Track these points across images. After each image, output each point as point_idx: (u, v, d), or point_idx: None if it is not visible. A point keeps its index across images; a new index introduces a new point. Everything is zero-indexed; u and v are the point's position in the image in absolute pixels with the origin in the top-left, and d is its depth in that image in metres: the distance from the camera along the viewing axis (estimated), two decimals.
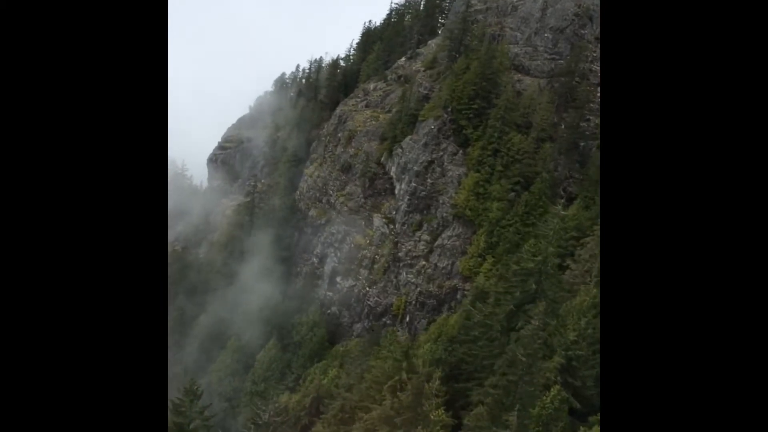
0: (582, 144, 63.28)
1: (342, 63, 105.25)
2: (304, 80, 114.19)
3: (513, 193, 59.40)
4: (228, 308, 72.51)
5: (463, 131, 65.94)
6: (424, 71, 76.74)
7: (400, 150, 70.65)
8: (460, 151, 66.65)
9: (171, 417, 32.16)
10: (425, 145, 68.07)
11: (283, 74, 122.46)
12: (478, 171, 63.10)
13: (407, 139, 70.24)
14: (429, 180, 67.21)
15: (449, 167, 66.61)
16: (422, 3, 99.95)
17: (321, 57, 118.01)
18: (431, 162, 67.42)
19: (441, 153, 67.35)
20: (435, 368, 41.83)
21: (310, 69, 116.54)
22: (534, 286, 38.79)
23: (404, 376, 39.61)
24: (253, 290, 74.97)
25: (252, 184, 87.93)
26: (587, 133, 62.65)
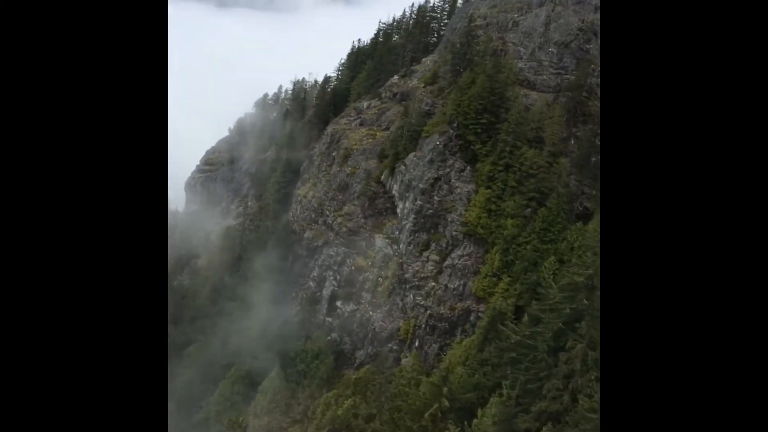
0: (594, 159, 61.57)
1: (331, 82, 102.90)
2: (288, 100, 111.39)
3: (529, 209, 57.12)
4: (221, 337, 67.97)
5: (471, 147, 63.72)
6: (424, 87, 74.65)
7: (404, 167, 67.98)
8: (468, 168, 64.33)
9: None
10: (431, 161, 65.58)
11: (266, 95, 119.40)
12: (489, 187, 60.78)
13: (411, 155, 67.67)
14: (436, 197, 64.57)
15: (457, 184, 64.15)
16: (411, 22, 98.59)
17: (303, 78, 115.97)
18: (437, 179, 64.87)
19: (448, 169, 64.92)
20: (473, 394, 38.84)
21: (294, 89, 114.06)
22: (585, 301, 36.12)
23: (445, 403, 36.38)
24: (248, 318, 70.72)
25: (243, 206, 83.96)
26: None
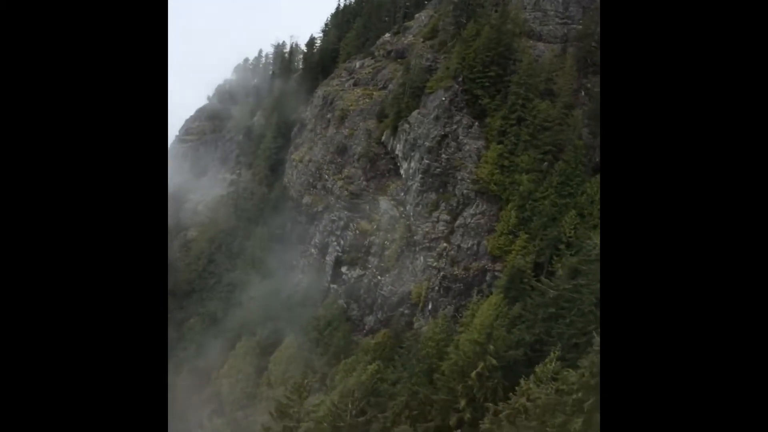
0: None
1: (316, 44, 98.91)
2: (271, 64, 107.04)
3: (545, 164, 55.22)
4: (223, 309, 65.25)
5: (479, 101, 61.32)
6: (423, 42, 71.68)
7: (407, 125, 65.35)
8: (476, 123, 62.01)
9: (275, 420, 25.90)
10: (436, 118, 63.11)
11: (246, 60, 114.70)
12: (500, 142, 58.64)
13: (414, 113, 65.05)
14: (443, 155, 62.27)
15: (465, 140, 61.88)
16: None
17: (283, 41, 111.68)
18: (444, 136, 62.51)
19: (455, 126, 62.53)
20: (516, 352, 37.21)
21: (276, 53, 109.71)
22: None
23: (492, 361, 34.60)
24: (250, 288, 68.04)
25: (236, 173, 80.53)
26: None
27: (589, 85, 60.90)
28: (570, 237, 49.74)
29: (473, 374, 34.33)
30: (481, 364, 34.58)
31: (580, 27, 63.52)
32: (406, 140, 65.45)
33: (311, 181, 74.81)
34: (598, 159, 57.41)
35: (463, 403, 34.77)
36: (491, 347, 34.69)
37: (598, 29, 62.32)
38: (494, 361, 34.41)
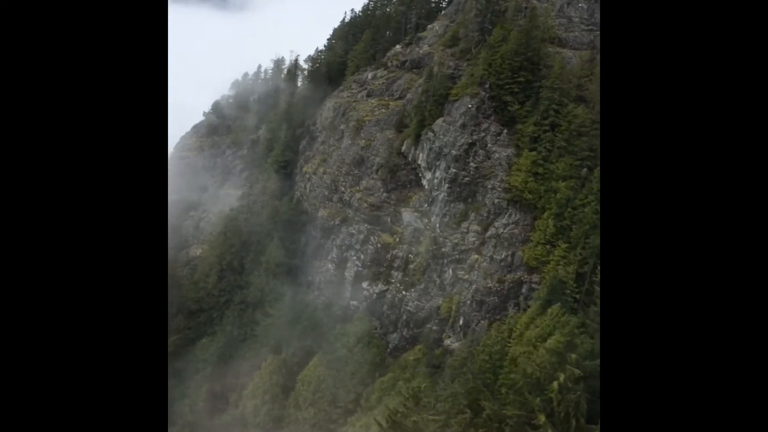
0: None
1: (320, 57, 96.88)
2: (273, 78, 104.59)
3: (585, 170, 53.23)
4: (239, 328, 61.59)
5: (508, 108, 59.43)
6: (443, 50, 69.86)
7: (431, 134, 63.08)
8: (505, 131, 60.03)
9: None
10: (463, 126, 60.99)
11: (246, 74, 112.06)
12: (533, 149, 56.63)
13: (439, 121, 62.89)
14: (472, 164, 60.04)
15: (494, 148, 59.79)
16: None
17: (282, 57, 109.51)
18: (472, 144, 60.35)
19: (482, 133, 60.46)
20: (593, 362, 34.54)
21: (275, 67, 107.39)
22: None
23: (575, 371, 31.92)
24: (263, 305, 64.55)
25: (248, 186, 77.33)
26: None
27: None
28: None
29: (554, 386, 31.57)
30: (562, 375, 31.86)
31: None
32: (430, 149, 63.14)
33: (326, 193, 71.96)
34: None
35: (542, 418, 31.93)
36: (574, 356, 32.03)
37: None
38: (577, 372, 31.73)
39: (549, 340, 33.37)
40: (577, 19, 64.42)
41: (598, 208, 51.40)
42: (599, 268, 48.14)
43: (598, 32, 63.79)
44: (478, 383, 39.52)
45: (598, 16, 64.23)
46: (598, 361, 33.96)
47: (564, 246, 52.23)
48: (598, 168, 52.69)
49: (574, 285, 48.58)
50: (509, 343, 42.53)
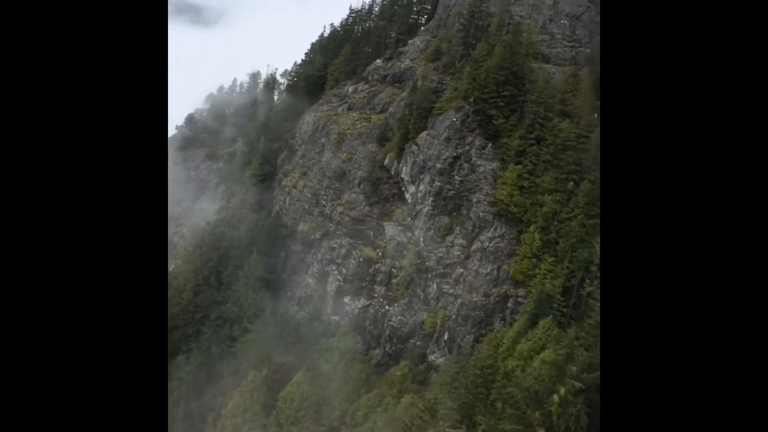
0: None
1: (300, 70, 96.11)
2: (249, 91, 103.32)
3: (571, 183, 53.22)
4: (217, 344, 59.65)
5: (493, 121, 59.34)
6: (425, 65, 69.74)
7: (415, 147, 62.62)
8: (489, 144, 59.87)
9: None
10: (447, 139, 60.68)
11: (222, 88, 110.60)
12: (519, 163, 56.53)
13: (423, 134, 62.49)
14: (456, 177, 59.66)
15: (479, 162, 59.53)
16: (387, 5, 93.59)
17: (258, 71, 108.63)
18: (457, 157, 60.04)
19: (467, 147, 60.21)
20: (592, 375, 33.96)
21: (251, 81, 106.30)
22: None
23: (575, 384, 31.24)
24: (241, 321, 62.72)
25: (225, 200, 75.60)
26: None
27: None
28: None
29: (554, 398, 30.83)
30: (562, 389, 31.15)
31: (588, 50, 63.02)
32: (414, 162, 62.63)
33: (307, 207, 70.76)
34: None
35: None
36: (574, 369, 31.37)
37: None
38: (577, 384, 31.07)
39: (545, 353, 32.68)
40: (559, 35, 65.01)
41: (585, 221, 51.39)
42: (587, 281, 48.07)
43: (581, 48, 64.51)
44: (470, 398, 38.61)
45: (579, 33, 65.00)
46: (595, 374, 33.42)
47: (550, 260, 51.97)
48: (584, 182, 52.83)
49: (561, 299, 48.23)
50: (498, 357, 41.71)
